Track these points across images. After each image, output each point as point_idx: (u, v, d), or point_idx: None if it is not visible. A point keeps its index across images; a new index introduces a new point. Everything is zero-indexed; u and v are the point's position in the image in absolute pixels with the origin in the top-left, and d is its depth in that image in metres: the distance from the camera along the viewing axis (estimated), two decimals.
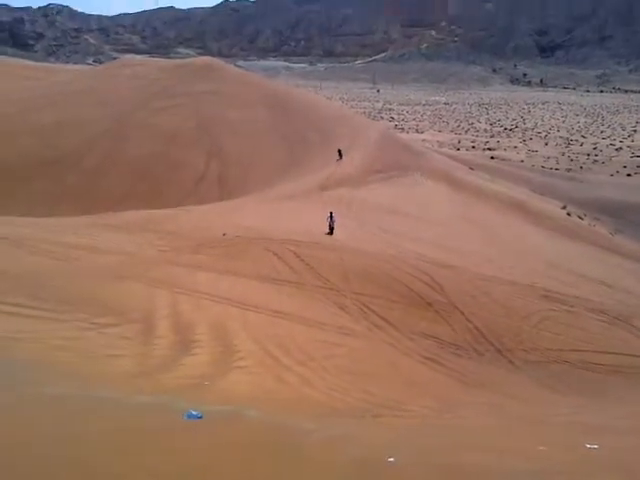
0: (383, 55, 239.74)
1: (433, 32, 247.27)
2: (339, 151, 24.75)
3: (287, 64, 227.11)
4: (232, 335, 7.25)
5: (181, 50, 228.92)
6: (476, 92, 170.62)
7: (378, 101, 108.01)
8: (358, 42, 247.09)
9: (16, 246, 10.02)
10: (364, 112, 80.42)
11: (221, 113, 27.71)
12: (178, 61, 45.58)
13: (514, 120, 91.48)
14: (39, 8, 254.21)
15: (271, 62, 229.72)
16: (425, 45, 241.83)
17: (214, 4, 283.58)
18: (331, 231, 16.12)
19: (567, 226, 24.92)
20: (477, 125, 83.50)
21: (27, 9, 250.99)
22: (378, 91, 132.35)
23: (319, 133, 27.84)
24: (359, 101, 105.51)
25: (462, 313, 11.14)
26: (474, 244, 17.61)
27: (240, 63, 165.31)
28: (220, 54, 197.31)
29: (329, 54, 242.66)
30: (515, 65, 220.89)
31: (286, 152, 26.01)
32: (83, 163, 23.02)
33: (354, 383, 6.93)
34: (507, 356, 10.11)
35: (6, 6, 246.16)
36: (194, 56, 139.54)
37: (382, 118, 77.98)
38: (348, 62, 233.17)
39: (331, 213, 16.12)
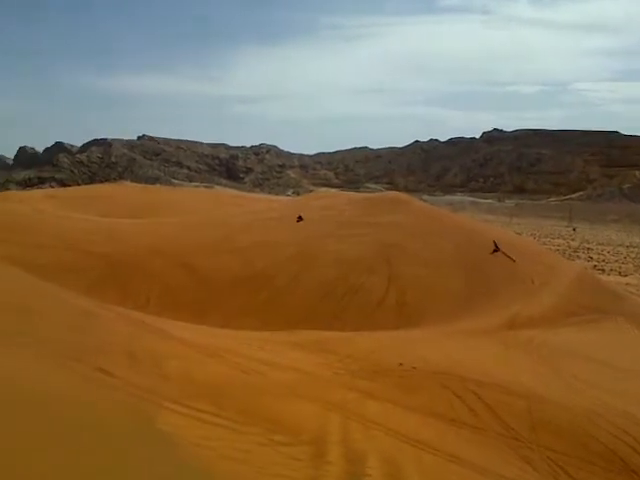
0: (580, 194, 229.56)
1: (637, 172, 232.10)
2: (494, 243, 25.12)
3: (473, 199, 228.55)
4: (405, 475, 6.65)
5: (370, 185, 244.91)
6: None
7: (574, 239, 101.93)
8: (552, 180, 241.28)
9: (211, 356, 10.65)
10: (558, 250, 76.18)
11: (403, 242, 28.26)
12: (366, 194, 48.58)
13: None
14: (251, 147, 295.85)
15: (457, 197, 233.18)
16: (628, 186, 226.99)
17: (404, 144, 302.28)
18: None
19: None
20: None
21: (242, 148, 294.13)
22: (574, 229, 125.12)
23: (505, 268, 26.75)
24: (552, 238, 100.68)
25: None
26: None
27: (425, 197, 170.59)
28: (407, 189, 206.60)
29: (519, 191, 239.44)
30: None
31: (468, 285, 25.25)
32: (274, 282, 24.67)
33: None
34: None
35: (224, 145, 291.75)
36: (382, 191, 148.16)
37: (579, 257, 72.98)
38: (540, 200, 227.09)
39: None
